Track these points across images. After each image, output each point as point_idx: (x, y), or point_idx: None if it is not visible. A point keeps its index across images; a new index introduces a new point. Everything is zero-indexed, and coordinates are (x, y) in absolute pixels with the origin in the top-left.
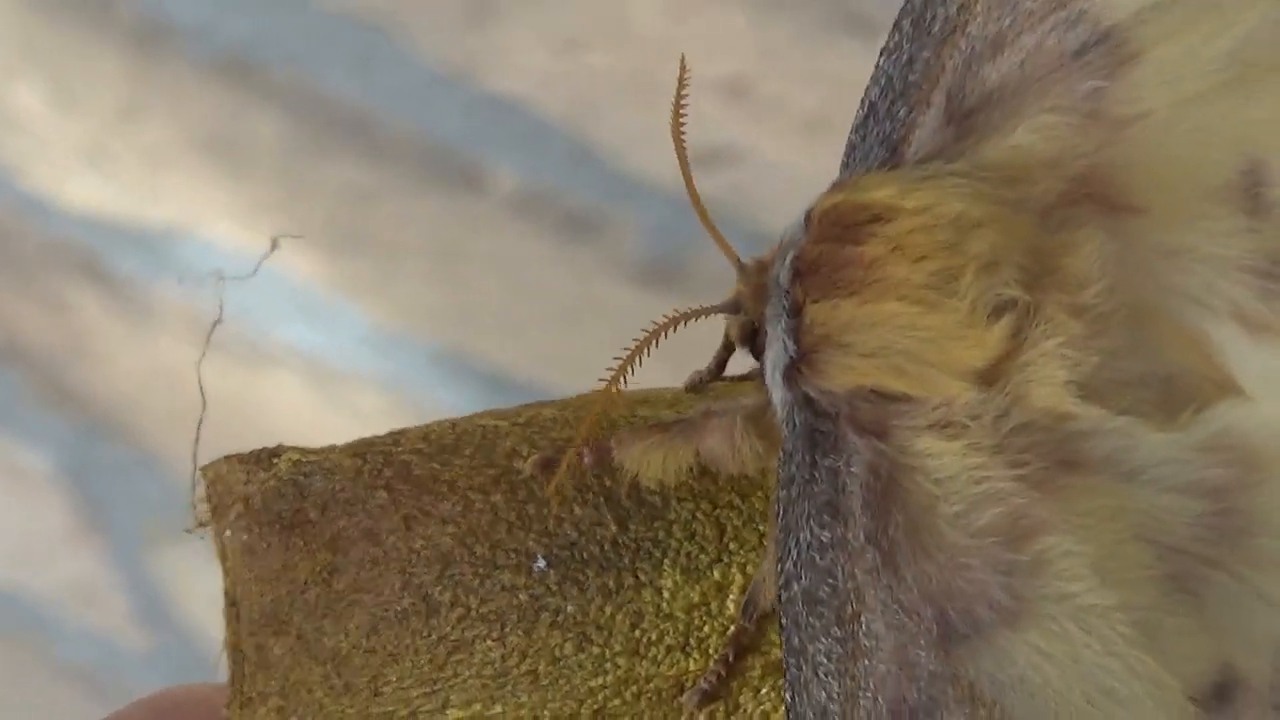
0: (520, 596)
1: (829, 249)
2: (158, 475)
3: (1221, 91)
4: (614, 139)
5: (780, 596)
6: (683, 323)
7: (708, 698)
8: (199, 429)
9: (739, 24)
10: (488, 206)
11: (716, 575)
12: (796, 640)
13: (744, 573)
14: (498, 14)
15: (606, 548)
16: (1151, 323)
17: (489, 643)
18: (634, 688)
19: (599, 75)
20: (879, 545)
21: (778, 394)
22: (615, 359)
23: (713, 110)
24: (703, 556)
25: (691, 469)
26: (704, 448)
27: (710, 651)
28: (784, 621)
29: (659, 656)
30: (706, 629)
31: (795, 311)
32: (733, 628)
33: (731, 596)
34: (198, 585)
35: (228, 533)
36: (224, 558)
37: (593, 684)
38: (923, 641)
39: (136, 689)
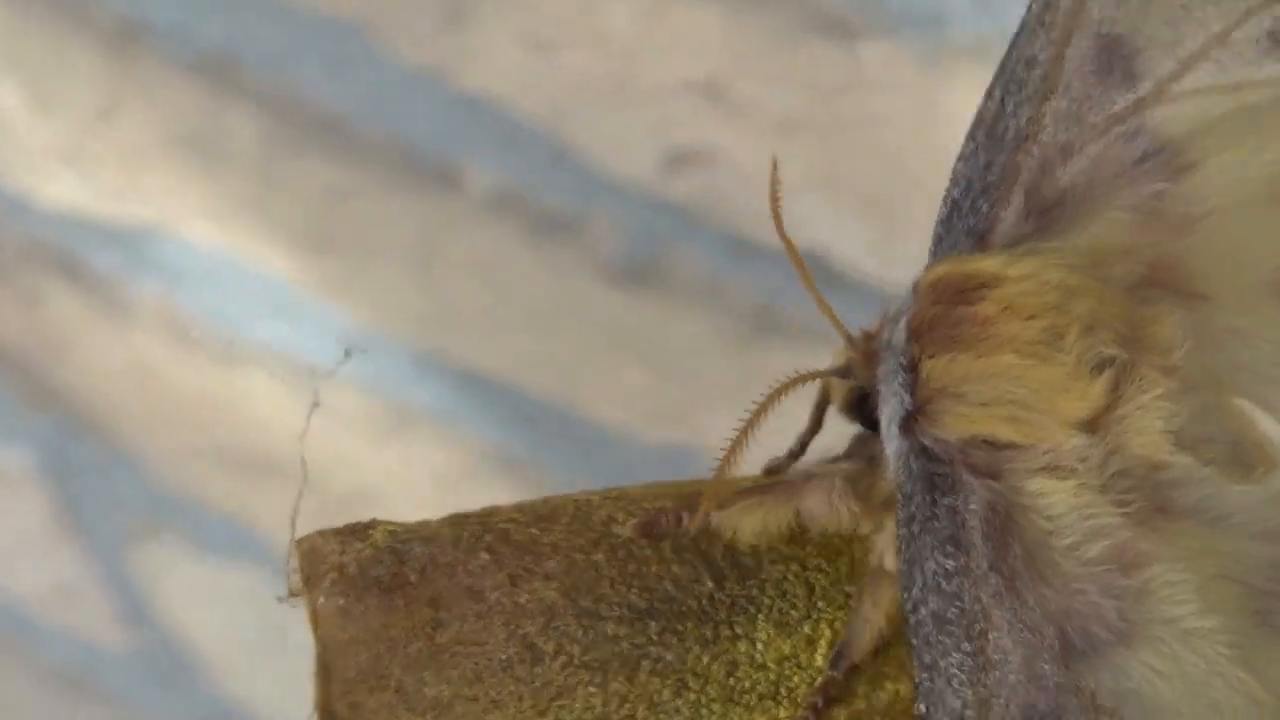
0: (623, 645)
1: (942, 310)
2: (137, 475)
3: (1269, 198)
4: (590, 139)
5: (909, 620)
6: (797, 386)
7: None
8: (299, 500)
9: (713, 25)
10: (464, 206)
11: (807, 630)
12: (928, 657)
13: (832, 628)
14: (473, 15)
15: (704, 602)
16: (1224, 390)
17: (591, 689)
18: None
19: (574, 75)
20: (1001, 572)
21: (893, 445)
22: (724, 442)
23: (686, 112)
24: (794, 613)
25: (788, 528)
26: (803, 508)
27: (799, 700)
28: (915, 641)
29: (752, 703)
30: (796, 679)
31: (911, 368)
32: (821, 678)
33: (820, 650)
34: (178, 586)
35: (321, 599)
36: (316, 625)
37: None
38: (1046, 656)
39: (118, 690)
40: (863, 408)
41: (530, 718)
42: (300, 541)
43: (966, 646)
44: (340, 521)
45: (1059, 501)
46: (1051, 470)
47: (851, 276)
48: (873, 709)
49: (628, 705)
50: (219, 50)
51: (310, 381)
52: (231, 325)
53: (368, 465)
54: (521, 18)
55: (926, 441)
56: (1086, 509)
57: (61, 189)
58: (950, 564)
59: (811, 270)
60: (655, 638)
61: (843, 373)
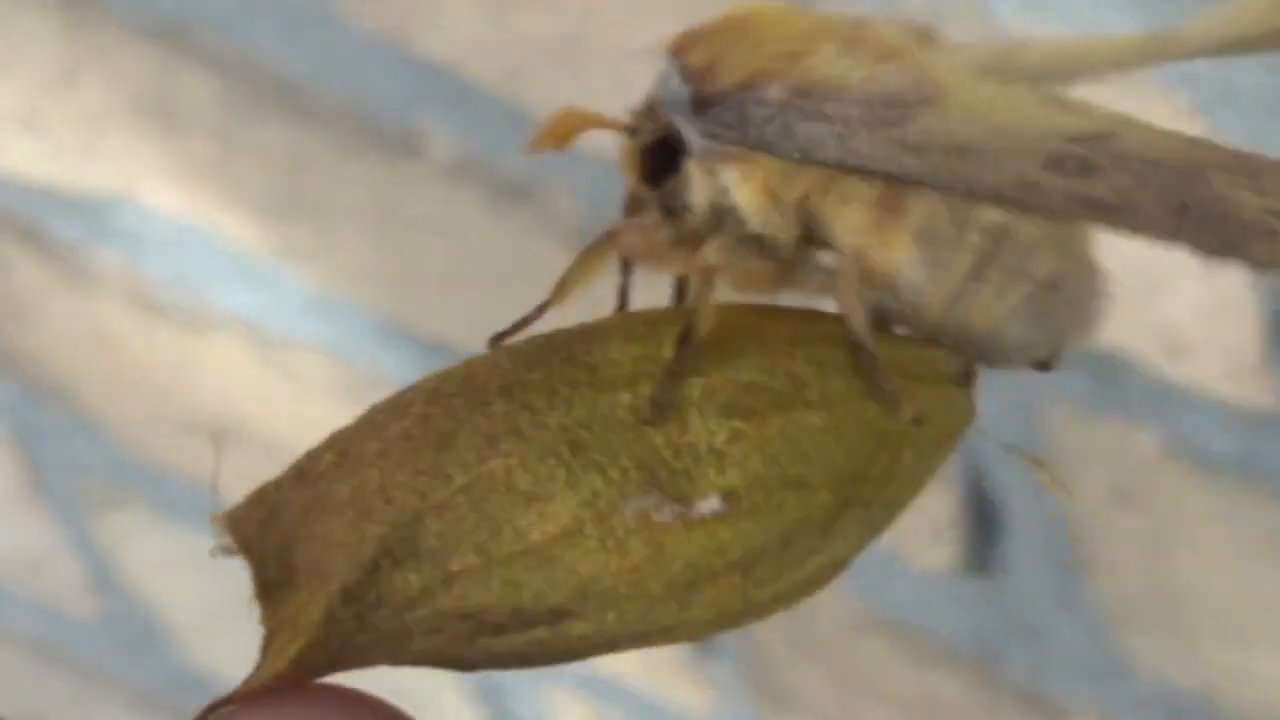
0: (494, 385)
1: (699, 32)
2: (101, 441)
3: None
4: (548, 103)
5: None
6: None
7: (658, 407)
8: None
9: None
10: (423, 170)
11: (654, 339)
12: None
13: (674, 327)
14: None
15: (560, 346)
16: None
17: (476, 415)
18: (600, 420)
19: (532, 39)
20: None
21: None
22: None
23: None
24: (639, 330)
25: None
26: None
27: (657, 377)
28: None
29: (617, 389)
30: (652, 369)
31: (685, 74)
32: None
33: (666, 347)
34: (143, 552)
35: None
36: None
37: (564, 421)
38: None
39: (85, 656)
40: (660, 162)
41: (427, 464)
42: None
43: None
44: None
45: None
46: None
47: None
48: (720, 375)
49: (509, 418)
50: (175, 13)
51: (271, 348)
52: (193, 291)
53: (331, 429)
54: None
55: (714, 96)
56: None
57: (19, 155)
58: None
59: None
60: (524, 370)
61: (631, 130)
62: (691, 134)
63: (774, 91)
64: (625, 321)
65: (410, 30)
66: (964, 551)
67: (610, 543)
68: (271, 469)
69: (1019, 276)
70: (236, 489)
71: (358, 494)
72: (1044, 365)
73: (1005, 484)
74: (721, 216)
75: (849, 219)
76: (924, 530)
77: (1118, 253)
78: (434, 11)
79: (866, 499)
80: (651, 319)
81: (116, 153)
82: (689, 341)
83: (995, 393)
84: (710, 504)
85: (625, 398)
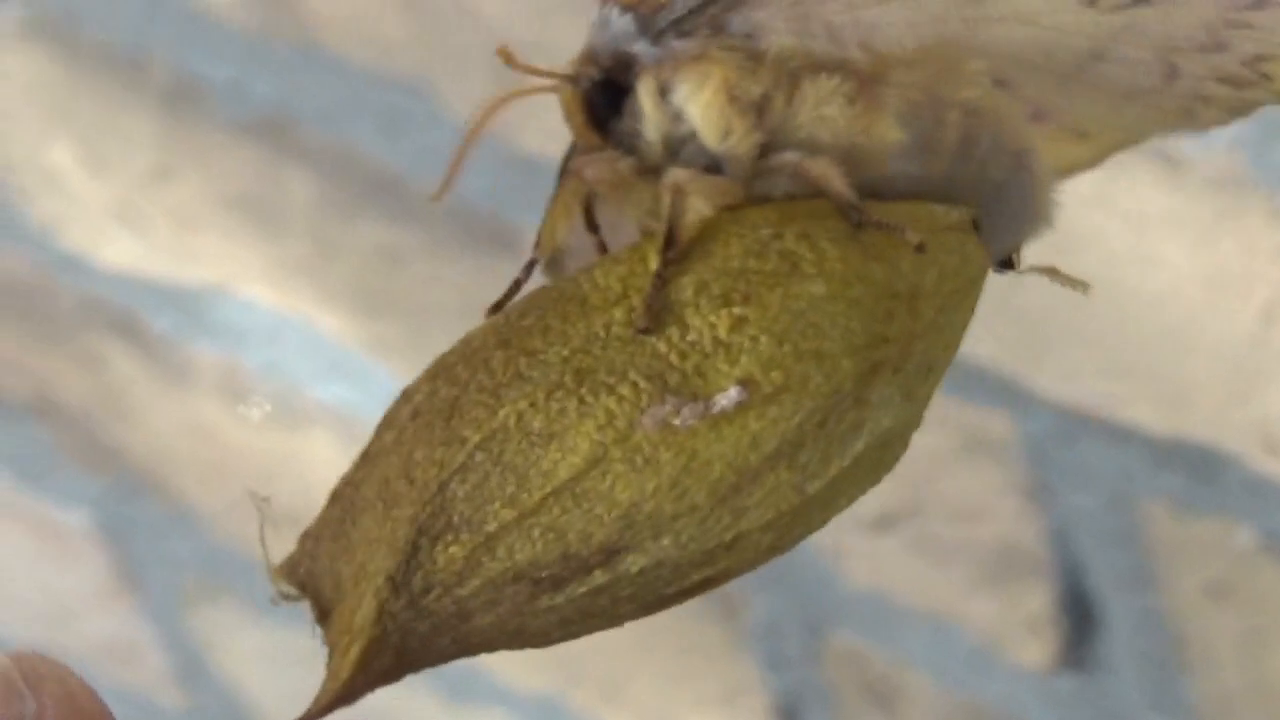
0: (491, 339)
1: None
2: (194, 533)
3: None
4: None
5: None
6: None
7: (652, 313)
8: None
9: None
10: (518, 268)
11: (636, 255)
12: None
13: (656, 251)
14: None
15: (550, 290)
16: None
17: (482, 375)
18: (598, 342)
19: None
20: None
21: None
22: None
23: None
24: (621, 253)
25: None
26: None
27: (645, 290)
28: None
29: (607, 308)
30: (639, 281)
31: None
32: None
33: (650, 259)
34: (235, 644)
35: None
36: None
37: (564, 353)
38: None
39: None
40: (606, 106)
41: (440, 434)
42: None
43: None
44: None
45: None
46: None
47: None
48: (709, 269)
49: (512, 365)
50: (273, 109)
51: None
52: (288, 384)
53: None
54: None
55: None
56: None
57: (117, 250)
58: None
59: None
60: (517, 318)
61: (572, 80)
62: (642, 48)
63: None
64: (609, 255)
65: (508, 125)
66: (1060, 647)
67: (639, 461)
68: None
69: (998, 151)
70: None
71: (383, 486)
72: (1008, 264)
73: (1102, 580)
74: (678, 147)
75: (827, 117)
76: (1020, 625)
77: (1215, 350)
78: (532, 106)
79: (895, 361)
80: (632, 245)
81: (213, 247)
82: (672, 245)
83: (1092, 489)
84: (729, 396)
85: (619, 314)
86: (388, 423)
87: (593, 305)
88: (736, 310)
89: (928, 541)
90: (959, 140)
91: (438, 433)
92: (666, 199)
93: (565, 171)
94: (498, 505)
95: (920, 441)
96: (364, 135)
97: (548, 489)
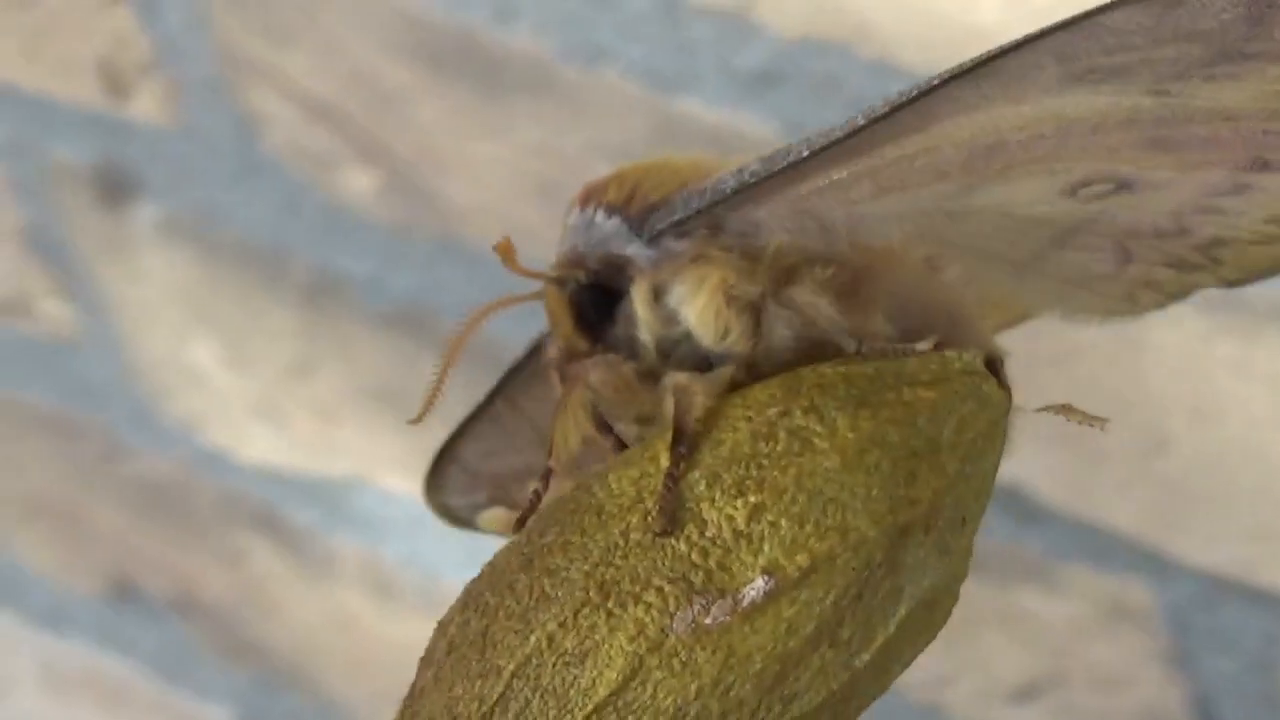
0: (515, 561)
1: (600, 183)
2: None
3: None
4: None
5: None
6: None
7: (667, 515)
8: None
9: None
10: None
11: (648, 455)
12: None
13: (663, 440)
14: None
15: (568, 499)
16: None
17: (509, 601)
18: (618, 551)
19: None
20: None
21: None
22: None
23: None
24: (632, 456)
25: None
26: (594, 387)
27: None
28: None
29: (624, 515)
30: (652, 483)
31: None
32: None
33: (661, 458)
34: None
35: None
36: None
37: (586, 568)
38: None
39: None
40: (593, 305)
41: (476, 666)
42: None
43: None
44: None
45: None
46: None
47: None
48: (720, 460)
49: (539, 583)
50: (412, 301)
51: None
52: (429, 573)
53: None
54: None
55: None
56: None
57: (259, 445)
58: None
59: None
60: (537, 536)
61: (560, 281)
62: (636, 250)
63: (705, 183)
64: (619, 457)
65: None
66: None
67: (677, 665)
68: None
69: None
70: None
71: None
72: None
73: None
74: (671, 348)
75: (821, 311)
76: None
77: None
78: None
79: (924, 521)
80: (643, 445)
81: (352, 439)
82: (680, 441)
83: (1235, 653)
84: (757, 587)
85: (635, 519)
86: (427, 659)
87: (609, 514)
88: (752, 498)
89: (1071, 712)
90: (946, 321)
91: (474, 665)
92: (669, 400)
93: (565, 376)
94: None
95: (1060, 611)
96: (502, 325)
97: (589, 707)
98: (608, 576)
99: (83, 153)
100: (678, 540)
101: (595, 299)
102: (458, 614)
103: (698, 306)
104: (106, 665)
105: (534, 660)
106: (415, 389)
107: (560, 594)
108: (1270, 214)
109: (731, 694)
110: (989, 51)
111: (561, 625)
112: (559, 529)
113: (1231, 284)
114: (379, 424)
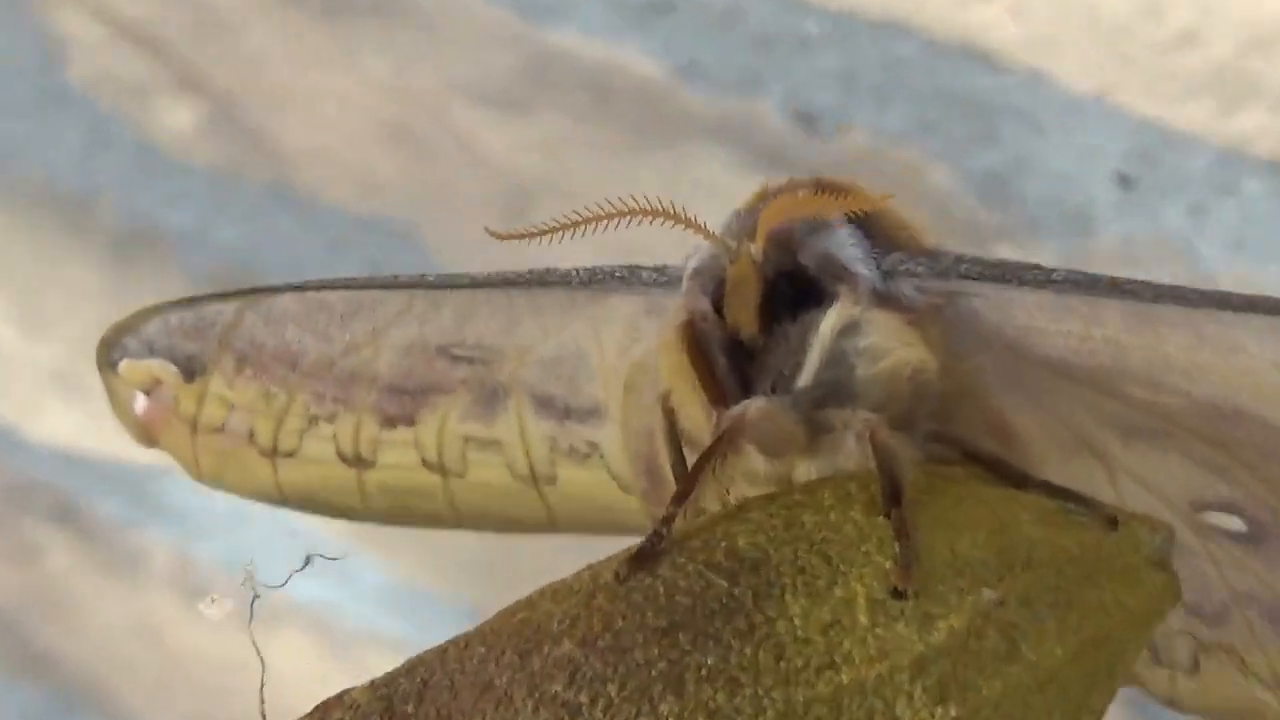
0: (659, 666)
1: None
2: None
3: None
4: None
5: None
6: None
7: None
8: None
9: None
10: None
11: (839, 593)
12: None
13: (862, 583)
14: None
15: (726, 600)
16: None
17: (642, 718)
18: (796, 715)
19: None
20: None
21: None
22: None
23: None
24: (819, 582)
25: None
26: (753, 439)
27: (856, 662)
28: None
29: (811, 679)
30: (846, 643)
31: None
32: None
33: (860, 608)
34: None
35: None
36: None
37: None
38: None
39: None
40: (781, 298)
41: None
42: None
43: None
44: None
45: None
46: None
47: None
48: (937, 649)
49: None
50: (237, 256)
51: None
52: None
53: None
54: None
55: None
56: None
57: (54, 422)
58: None
59: None
60: (689, 647)
61: (703, 316)
62: (867, 272)
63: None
64: (788, 557)
65: None
66: None
67: None
68: None
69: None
70: None
71: None
72: None
73: None
74: (831, 384)
75: (966, 410)
76: None
77: None
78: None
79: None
80: (820, 569)
81: None
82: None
83: None
84: None
85: (822, 689)
86: None
87: (793, 667)
88: (953, 711)
89: None
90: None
91: None
92: (865, 446)
93: (725, 429)
94: None
95: None
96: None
97: None
98: None
99: None
100: None
101: (786, 290)
102: (551, 669)
103: (884, 367)
104: None
105: None
106: None
107: None
108: None
109: None
110: None
111: None
112: (720, 650)
113: None
114: None
